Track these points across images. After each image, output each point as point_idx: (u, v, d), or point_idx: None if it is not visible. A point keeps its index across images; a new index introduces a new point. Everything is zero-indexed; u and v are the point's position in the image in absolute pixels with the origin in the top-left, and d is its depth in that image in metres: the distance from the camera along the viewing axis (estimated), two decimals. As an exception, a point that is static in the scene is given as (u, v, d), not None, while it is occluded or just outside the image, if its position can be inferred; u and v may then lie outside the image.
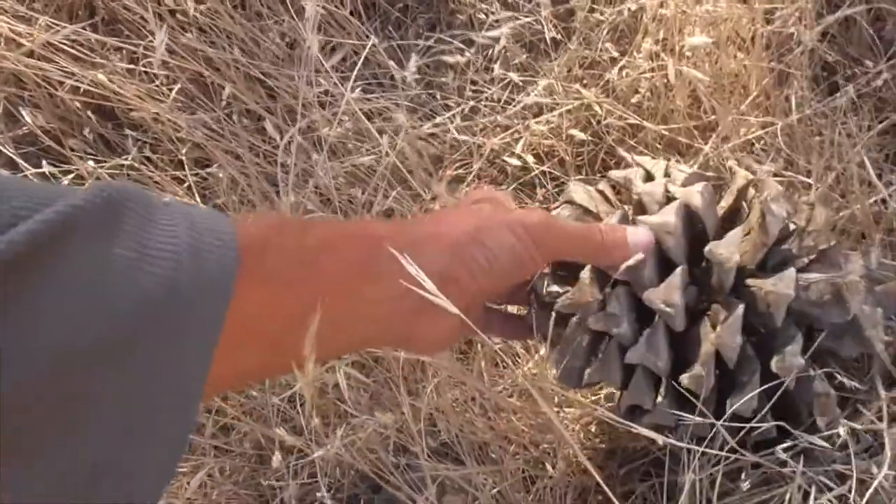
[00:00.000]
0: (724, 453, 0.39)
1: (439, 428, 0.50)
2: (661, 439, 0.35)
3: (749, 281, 0.39)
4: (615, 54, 0.70)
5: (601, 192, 0.44)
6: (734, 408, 0.38)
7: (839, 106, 0.58)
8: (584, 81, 0.73)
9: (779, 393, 0.38)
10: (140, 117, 0.83)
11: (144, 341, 0.22)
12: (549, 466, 0.53)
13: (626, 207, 0.43)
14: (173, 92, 0.82)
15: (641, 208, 0.41)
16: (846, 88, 0.58)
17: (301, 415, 0.53)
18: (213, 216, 0.26)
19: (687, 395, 0.39)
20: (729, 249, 0.37)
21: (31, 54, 0.81)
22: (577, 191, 0.44)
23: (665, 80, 0.66)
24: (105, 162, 0.81)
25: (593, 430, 0.56)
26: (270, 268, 0.28)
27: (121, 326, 0.22)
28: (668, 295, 0.37)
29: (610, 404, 0.54)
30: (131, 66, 0.85)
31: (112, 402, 0.22)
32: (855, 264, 0.40)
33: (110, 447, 0.22)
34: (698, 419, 0.38)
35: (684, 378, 0.38)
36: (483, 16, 0.80)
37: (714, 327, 0.38)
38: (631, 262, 0.38)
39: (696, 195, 0.39)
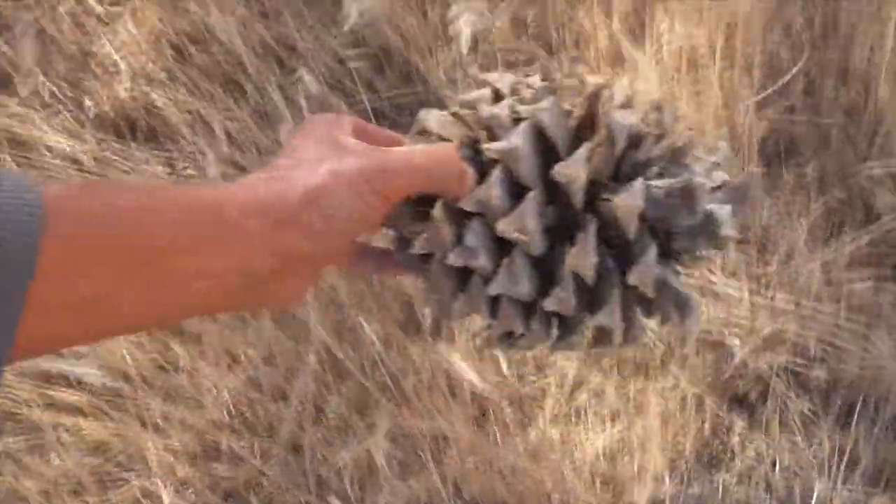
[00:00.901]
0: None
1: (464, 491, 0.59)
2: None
3: (603, 195, 0.38)
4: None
5: (455, 115, 0.41)
6: (597, 322, 0.39)
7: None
8: None
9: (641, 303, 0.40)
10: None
11: None
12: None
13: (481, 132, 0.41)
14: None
15: (491, 133, 0.39)
16: None
17: (344, 482, 0.62)
18: (19, 177, 0.25)
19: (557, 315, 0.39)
20: (575, 168, 0.37)
21: (82, 169, 0.92)
22: (429, 118, 0.41)
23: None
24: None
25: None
26: (80, 228, 0.26)
27: None
28: (520, 222, 0.37)
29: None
30: (169, 171, 0.96)
31: None
32: (703, 165, 0.40)
33: None
34: (570, 339, 0.39)
35: (547, 302, 0.38)
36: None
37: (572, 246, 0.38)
38: (480, 192, 0.37)
39: (543, 113, 0.38)
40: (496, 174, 0.37)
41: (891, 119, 0.75)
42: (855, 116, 0.78)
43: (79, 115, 0.99)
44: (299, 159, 0.34)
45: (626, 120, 0.38)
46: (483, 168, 0.38)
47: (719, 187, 0.40)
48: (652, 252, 0.38)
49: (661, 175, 0.40)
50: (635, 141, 0.39)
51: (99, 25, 1.01)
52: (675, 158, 0.40)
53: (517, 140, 0.37)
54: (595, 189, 0.38)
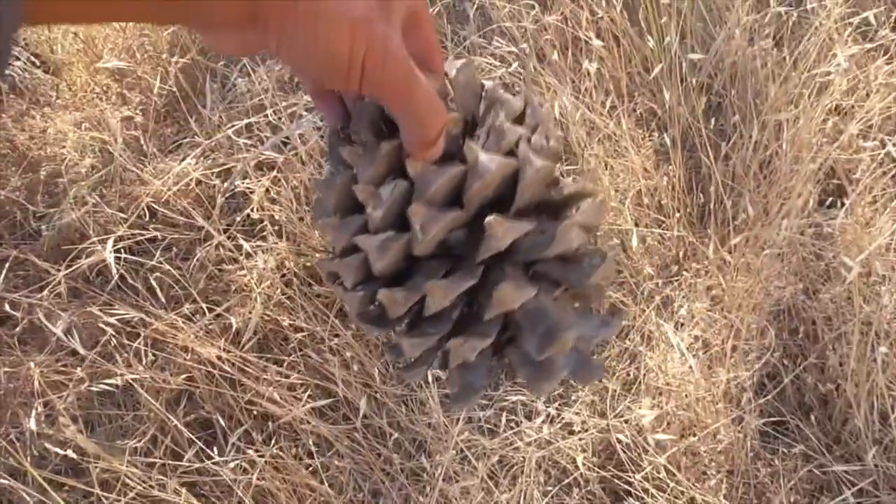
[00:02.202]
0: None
1: None
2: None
3: (505, 268, 0.38)
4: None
5: (481, 89, 0.41)
6: (395, 341, 0.39)
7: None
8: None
9: None
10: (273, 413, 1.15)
11: None
12: None
13: None
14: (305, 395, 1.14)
15: (485, 139, 0.39)
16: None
17: None
18: None
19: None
20: (506, 232, 0.37)
21: (210, 375, 1.16)
22: (458, 76, 0.40)
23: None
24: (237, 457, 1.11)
25: None
26: None
27: None
28: (429, 220, 0.36)
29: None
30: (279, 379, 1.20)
31: None
32: (593, 324, 0.40)
33: None
34: (371, 327, 0.39)
35: (383, 291, 0.37)
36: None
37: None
38: (429, 169, 0.36)
39: (532, 170, 0.38)
40: (453, 171, 0.36)
41: (856, 413, 0.97)
42: (830, 405, 1.01)
43: (213, 327, 1.25)
44: None
45: (576, 240, 0.38)
46: (452, 155, 0.37)
47: (577, 353, 0.40)
48: (486, 341, 0.37)
49: (558, 294, 0.40)
50: (576, 257, 0.39)
51: (240, 256, 1.30)
52: (583, 296, 0.40)
53: (494, 166, 0.36)
54: (503, 256, 0.38)
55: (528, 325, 0.38)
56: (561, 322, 0.38)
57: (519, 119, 0.40)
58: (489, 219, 0.36)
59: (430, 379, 1.11)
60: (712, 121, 1.27)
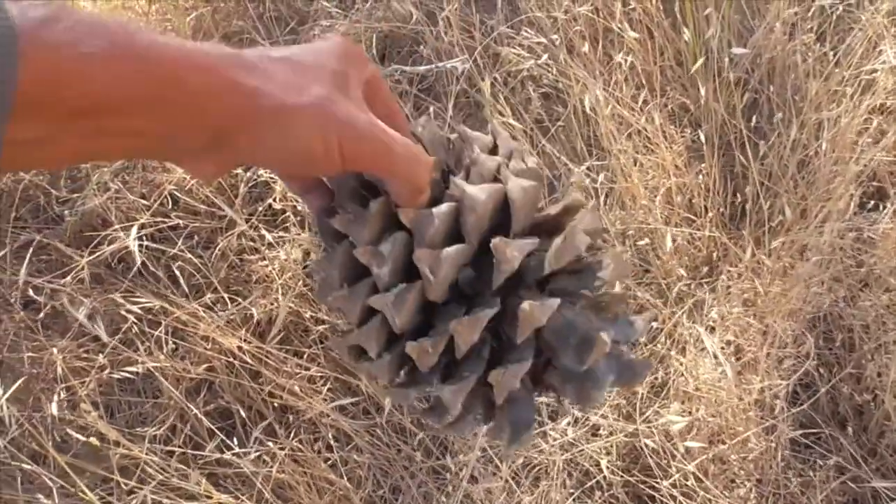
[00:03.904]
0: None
1: None
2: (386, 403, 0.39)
3: (521, 292, 0.38)
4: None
5: (449, 140, 0.42)
6: (434, 393, 0.38)
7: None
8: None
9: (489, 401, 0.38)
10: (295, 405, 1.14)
11: None
12: None
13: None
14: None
15: (466, 175, 0.39)
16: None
17: None
18: None
19: (411, 362, 0.38)
20: (513, 252, 0.36)
21: (231, 366, 1.15)
22: (425, 129, 0.41)
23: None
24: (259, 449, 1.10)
25: None
26: (42, 66, 0.25)
27: None
28: (436, 261, 0.36)
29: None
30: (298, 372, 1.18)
31: None
32: (623, 327, 0.40)
33: None
34: (407, 390, 0.38)
35: (410, 344, 0.36)
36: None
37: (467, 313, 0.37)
38: (423, 214, 0.36)
39: (519, 189, 0.38)
40: (446, 208, 0.37)
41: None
42: (866, 417, 0.98)
43: (234, 317, 1.24)
44: (300, 72, 0.32)
45: (581, 244, 0.38)
46: (438, 200, 0.38)
47: (619, 355, 0.39)
48: (525, 366, 0.37)
49: (576, 306, 0.39)
50: (579, 266, 0.40)
51: (264, 248, 1.29)
52: (608, 305, 0.40)
53: (483, 195, 0.37)
54: (516, 281, 0.38)
55: (560, 342, 0.38)
56: (591, 328, 0.38)
57: (493, 151, 0.41)
58: (495, 241, 0.36)
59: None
60: (748, 118, 1.23)
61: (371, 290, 0.37)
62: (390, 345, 0.38)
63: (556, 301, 0.36)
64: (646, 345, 1.06)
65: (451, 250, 0.36)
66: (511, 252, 0.36)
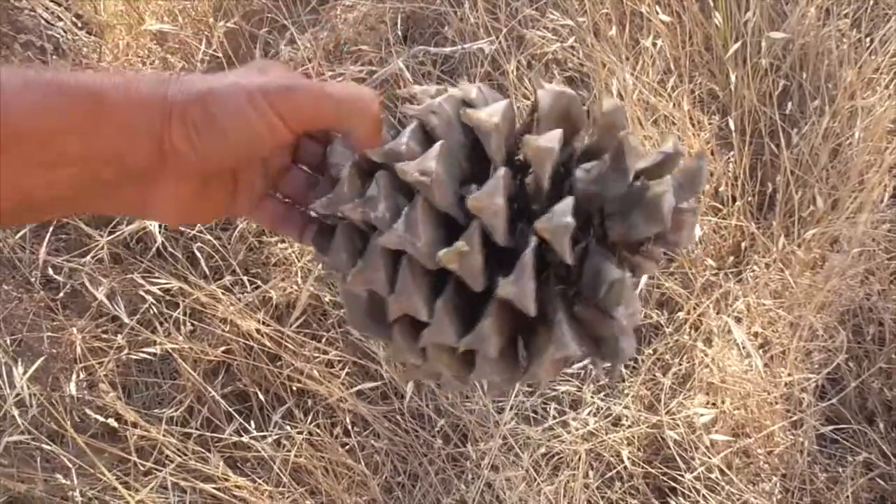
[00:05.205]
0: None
1: None
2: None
3: (524, 138, 0.33)
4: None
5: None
6: (499, 294, 0.31)
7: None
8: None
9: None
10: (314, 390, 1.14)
11: None
12: None
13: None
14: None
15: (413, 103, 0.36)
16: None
17: None
18: None
19: (463, 293, 0.33)
20: (488, 113, 0.33)
21: (249, 348, 1.15)
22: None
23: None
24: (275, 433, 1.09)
25: None
26: None
27: None
28: (423, 164, 0.32)
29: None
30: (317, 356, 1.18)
31: None
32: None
33: None
34: (479, 333, 0.32)
35: (442, 252, 0.31)
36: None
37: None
38: (391, 143, 0.34)
39: (472, 89, 0.35)
40: (410, 127, 0.34)
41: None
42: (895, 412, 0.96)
43: (252, 298, 1.23)
44: (215, 75, 0.32)
45: (554, 87, 0.35)
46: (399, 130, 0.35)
47: (660, 169, 0.34)
48: (567, 202, 0.32)
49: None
50: (562, 115, 0.35)
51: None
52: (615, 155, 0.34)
53: (438, 100, 0.35)
54: (515, 142, 0.35)
55: (595, 180, 0.34)
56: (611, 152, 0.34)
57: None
58: (464, 112, 0.34)
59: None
60: (778, 105, 1.20)
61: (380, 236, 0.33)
62: (437, 292, 0.33)
63: (557, 131, 0.33)
64: (671, 335, 1.04)
65: (431, 150, 0.33)
66: (486, 113, 0.33)
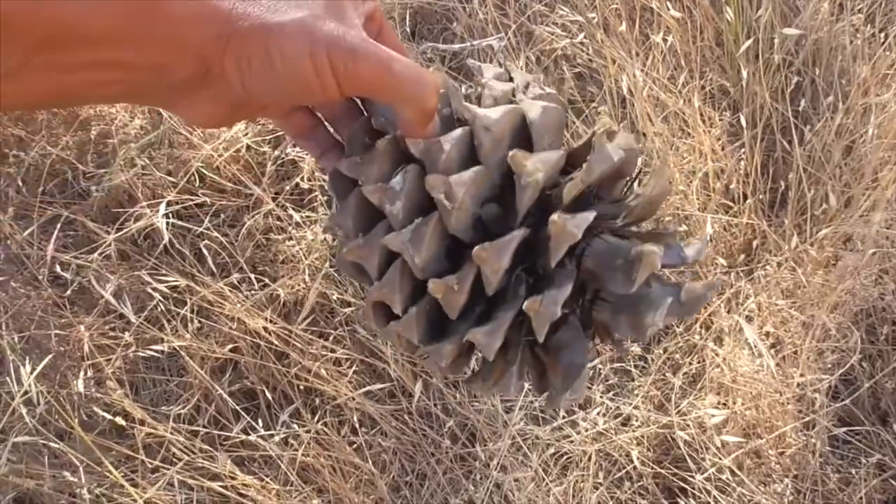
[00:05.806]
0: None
1: None
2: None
3: (552, 216, 0.32)
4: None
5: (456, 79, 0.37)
6: (467, 338, 0.32)
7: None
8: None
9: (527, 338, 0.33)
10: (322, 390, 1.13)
11: None
12: None
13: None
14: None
15: (478, 101, 0.36)
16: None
17: None
18: None
19: (439, 310, 0.33)
20: (535, 164, 0.32)
21: (257, 347, 1.14)
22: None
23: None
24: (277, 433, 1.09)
25: None
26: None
27: None
28: (451, 186, 0.32)
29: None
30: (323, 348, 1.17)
31: None
32: (673, 250, 0.34)
33: None
34: (439, 344, 0.33)
35: (433, 281, 0.32)
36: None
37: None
38: (433, 142, 0.33)
39: (538, 109, 0.34)
40: (458, 132, 0.33)
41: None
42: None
43: (260, 296, 1.23)
44: None
45: (612, 154, 0.33)
46: (451, 128, 0.34)
47: (674, 283, 0.35)
48: (565, 291, 0.32)
49: (623, 231, 0.35)
50: (612, 176, 0.35)
51: (291, 228, 1.28)
52: (655, 231, 0.35)
53: (496, 114, 0.33)
54: (546, 202, 0.34)
55: (604, 266, 0.34)
56: (635, 246, 0.33)
57: (505, 80, 0.37)
58: (512, 153, 0.32)
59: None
60: (790, 101, 1.19)
61: (386, 231, 0.34)
62: (416, 298, 0.34)
63: (591, 214, 0.31)
64: (682, 334, 1.03)
65: (466, 173, 0.32)
66: (532, 164, 0.32)
